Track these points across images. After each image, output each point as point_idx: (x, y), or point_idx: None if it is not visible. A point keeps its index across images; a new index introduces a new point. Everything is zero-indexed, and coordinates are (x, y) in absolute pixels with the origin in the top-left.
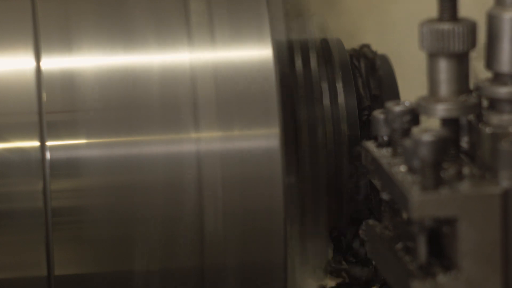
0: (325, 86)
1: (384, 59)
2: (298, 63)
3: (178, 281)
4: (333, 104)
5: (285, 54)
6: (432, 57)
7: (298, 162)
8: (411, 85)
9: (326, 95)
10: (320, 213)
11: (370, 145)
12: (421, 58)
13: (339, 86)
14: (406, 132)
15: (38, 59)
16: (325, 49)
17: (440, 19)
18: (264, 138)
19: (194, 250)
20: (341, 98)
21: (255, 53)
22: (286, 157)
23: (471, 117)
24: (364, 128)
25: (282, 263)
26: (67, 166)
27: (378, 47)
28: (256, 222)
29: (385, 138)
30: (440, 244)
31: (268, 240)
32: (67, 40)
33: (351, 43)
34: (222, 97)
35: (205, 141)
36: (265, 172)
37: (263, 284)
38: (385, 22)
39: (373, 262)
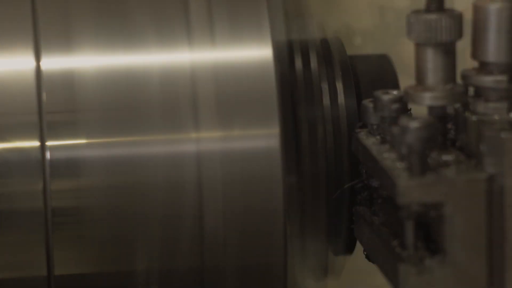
0: (325, 86)
1: (385, 59)
2: (298, 63)
3: (178, 281)
4: (333, 104)
5: (285, 54)
6: (420, 46)
7: (298, 162)
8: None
9: (326, 95)
10: (320, 213)
11: (360, 133)
12: None
13: (339, 86)
14: (395, 120)
15: (38, 59)
16: (325, 49)
17: (428, 9)
18: (264, 138)
19: (194, 250)
20: (341, 98)
21: (255, 53)
22: (286, 157)
23: (457, 105)
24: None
25: (282, 263)
26: (67, 166)
27: (378, 47)
28: (256, 222)
29: (375, 126)
30: (427, 228)
31: (268, 240)
32: (67, 40)
33: (351, 43)
34: (222, 97)
35: (205, 141)
36: (265, 172)
37: (263, 284)
38: (385, 22)
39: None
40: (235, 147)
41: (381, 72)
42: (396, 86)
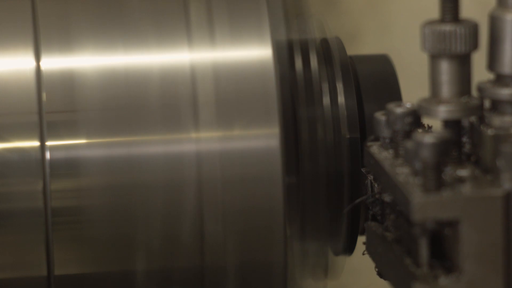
0: (325, 86)
1: (385, 59)
2: (298, 63)
3: (178, 281)
4: (333, 104)
5: (285, 54)
6: (434, 58)
7: (298, 162)
8: (412, 85)
9: (326, 95)
10: (320, 213)
11: (372, 146)
12: (421, 58)
13: (339, 86)
14: (408, 134)
15: (38, 59)
16: (325, 49)
17: (442, 20)
18: (264, 138)
19: (194, 250)
20: (341, 98)
21: (255, 53)
22: (286, 157)
23: (473, 118)
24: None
25: (282, 263)
26: (67, 166)
27: (378, 47)
28: (256, 221)
29: (387, 140)
30: (442, 246)
31: (268, 240)
32: (67, 40)
33: (351, 43)
34: (222, 97)
35: (205, 141)
36: (265, 172)
37: (263, 284)
38: (385, 22)
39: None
40: (235, 147)
41: (381, 72)
42: (396, 86)
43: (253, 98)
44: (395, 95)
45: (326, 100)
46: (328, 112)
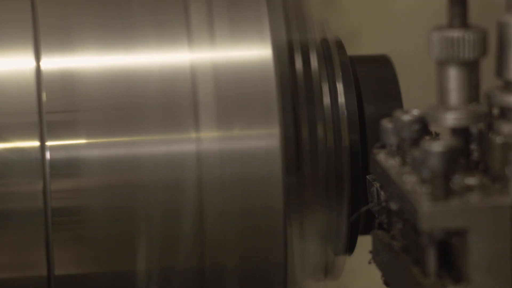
0: (325, 86)
1: (386, 60)
2: (298, 63)
3: (178, 280)
4: (333, 104)
5: (285, 54)
6: (442, 65)
7: (298, 162)
8: (412, 85)
9: (326, 95)
10: (320, 213)
11: (379, 154)
12: (421, 58)
13: (339, 86)
14: (415, 141)
15: (38, 59)
16: (325, 49)
17: (450, 26)
18: (264, 138)
19: (194, 250)
20: (341, 98)
21: (255, 53)
22: (286, 157)
23: (481, 125)
24: None
25: (282, 263)
26: (67, 166)
27: (378, 47)
28: (256, 221)
29: (394, 147)
30: (450, 255)
31: (268, 239)
32: (67, 40)
33: (351, 43)
34: (222, 97)
35: (205, 141)
36: (265, 172)
37: (263, 284)
38: (385, 22)
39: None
40: (235, 147)
41: (381, 72)
42: (396, 87)
43: (253, 98)
44: (395, 96)
45: (326, 100)
46: (328, 112)
